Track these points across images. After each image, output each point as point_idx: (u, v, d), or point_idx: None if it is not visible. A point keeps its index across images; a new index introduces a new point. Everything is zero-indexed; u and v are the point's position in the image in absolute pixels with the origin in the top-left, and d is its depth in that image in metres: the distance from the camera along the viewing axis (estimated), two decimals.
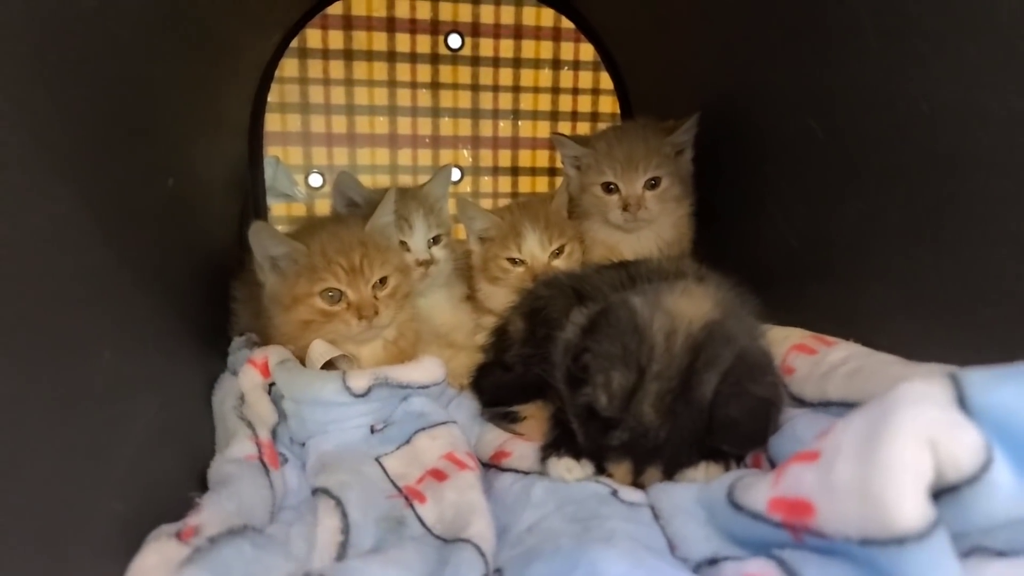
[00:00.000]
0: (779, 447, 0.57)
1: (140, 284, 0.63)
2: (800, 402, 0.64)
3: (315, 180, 1.28)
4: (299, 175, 1.27)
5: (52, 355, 0.46)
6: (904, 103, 0.68)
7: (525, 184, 1.38)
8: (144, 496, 0.55)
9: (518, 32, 1.29)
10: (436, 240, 1.01)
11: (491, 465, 0.68)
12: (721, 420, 0.54)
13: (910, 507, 0.35)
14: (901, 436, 0.37)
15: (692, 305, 0.59)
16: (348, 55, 1.24)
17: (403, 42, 1.25)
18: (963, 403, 0.38)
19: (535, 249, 1.01)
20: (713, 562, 0.47)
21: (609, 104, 1.37)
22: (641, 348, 0.56)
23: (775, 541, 0.44)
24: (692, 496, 0.54)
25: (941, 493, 0.37)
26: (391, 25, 1.24)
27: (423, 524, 0.58)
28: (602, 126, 1.31)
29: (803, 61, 0.84)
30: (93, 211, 0.54)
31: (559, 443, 0.62)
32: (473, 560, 0.49)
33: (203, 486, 0.62)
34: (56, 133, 0.49)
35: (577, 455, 0.60)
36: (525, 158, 1.37)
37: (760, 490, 0.45)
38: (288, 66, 1.22)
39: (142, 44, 0.66)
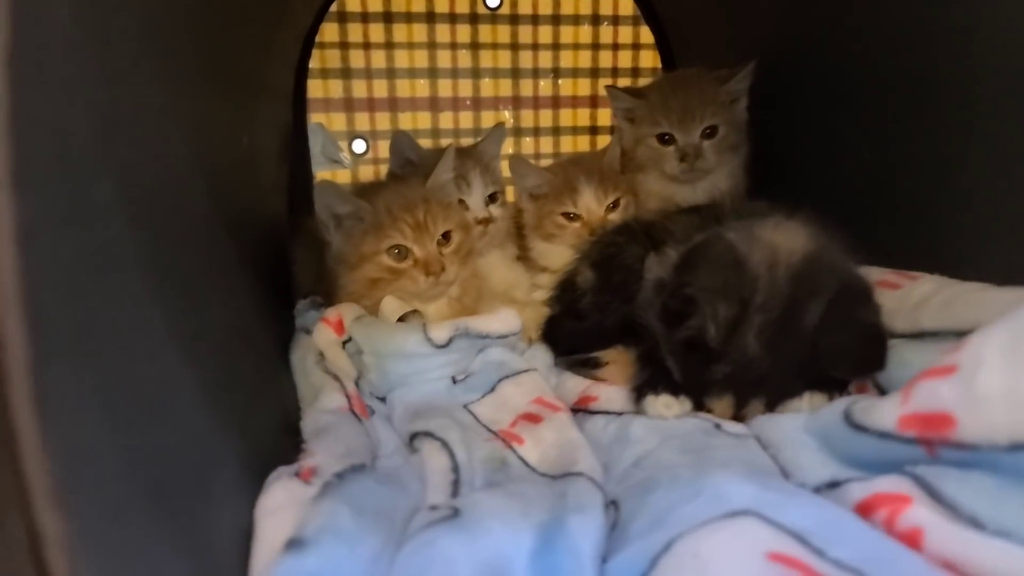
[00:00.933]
0: (887, 373, 0.57)
1: (229, 241, 0.64)
2: (890, 335, 0.64)
3: (358, 146, 1.27)
4: (342, 141, 1.26)
5: (181, 302, 0.47)
6: (984, 28, 0.66)
7: (567, 144, 1.36)
8: (255, 441, 0.56)
9: None
10: (493, 198, 1.01)
11: (578, 409, 0.69)
12: (831, 347, 0.54)
13: None
14: None
15: (789, 238, 0.59)
16: (387, 17, 1.22)
17: (442, 3, 1.24)
18: None
19: (591, 203, 1.00)
20: (834, 485, 0.47)
21: (650, 59, 1.35)
22: (743, 280, 0.56)
23: (906, 459, 0.44)
24: (799, 425, 0.54)
25: None
26: None
27: (526, 464, 0.58)
28: (643, 81, 1.29)
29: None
30: (201, 164, 0.55)
31: (654, 381, 0.62)
32: (591, 489, 0.49)
33: (296, 437, 0.63)
34: (167, 83, 0.49)
35: (675, 392, 0.60)
36: (566, 117, 1.35)
37: (886, 410, 0.45)
38: (328, 31, 1.20)
39: (214, 14, 0.66)
